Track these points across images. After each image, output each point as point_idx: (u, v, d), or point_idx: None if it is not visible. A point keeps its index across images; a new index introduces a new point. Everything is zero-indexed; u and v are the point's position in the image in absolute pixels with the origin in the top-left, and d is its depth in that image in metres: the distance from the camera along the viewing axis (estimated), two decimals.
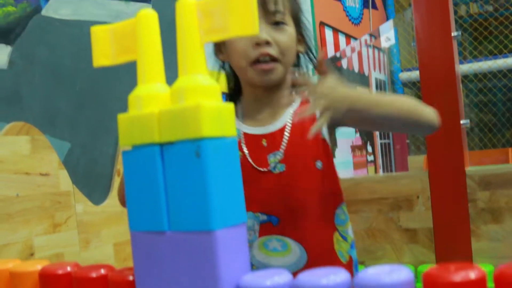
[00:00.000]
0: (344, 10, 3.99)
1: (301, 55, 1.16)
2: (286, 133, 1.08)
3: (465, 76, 4.65)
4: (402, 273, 0.59)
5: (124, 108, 1.83)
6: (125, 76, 1.84)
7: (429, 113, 1.08)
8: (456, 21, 4.85)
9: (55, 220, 1.54)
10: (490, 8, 5.58)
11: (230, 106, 0.70)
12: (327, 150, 1.08)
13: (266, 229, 1.07)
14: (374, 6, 4.67)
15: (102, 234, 1.69)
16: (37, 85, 1.56)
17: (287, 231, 1.06)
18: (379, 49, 4.61)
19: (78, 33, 1.70)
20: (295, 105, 1.12)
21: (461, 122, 1.76)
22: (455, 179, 1.75)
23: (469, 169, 1.82)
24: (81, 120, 1.69)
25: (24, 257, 1.44)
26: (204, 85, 0.68)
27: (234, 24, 0.68)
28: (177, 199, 0.69)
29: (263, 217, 1.07)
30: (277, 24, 1.06)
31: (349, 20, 4.07)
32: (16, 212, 1.44)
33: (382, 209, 1.95)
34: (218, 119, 0.68)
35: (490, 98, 4.98)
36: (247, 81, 1.11)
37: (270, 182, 1.07)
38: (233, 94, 1.18)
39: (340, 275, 0.62)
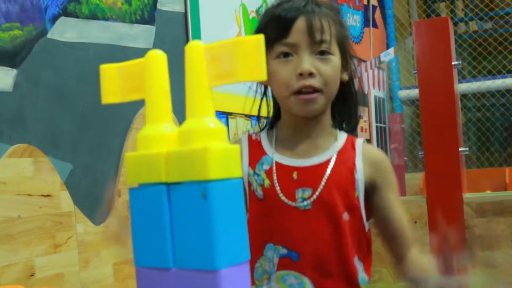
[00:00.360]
0: None
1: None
2: (327, 171, 1.05)
3: (464, 95, 4.68)
4: None
5: (125, 128, 1.85)
6: None
7: None
8: (455, 41, 4.90)
9: (56, 241, 1.56)
10: (489, 26, 5.63)
11: (236, 147, 0.71)
12: (358, 208, 1.06)
13: (285, 264, 1.05)
14: (375, 25, 4.71)
15: (102, 254, 1.70)
16: (41, 107, 1.58)
17: (305, 270, 1.04)
18: (379, 67, 4.64)
19: (83, 56, 1.73)
20: (338, 143, 1.09)
21: (460, 149, 1.78)
22: (452, 205, 1.77)
23: (467, 196, 1.84)
24: (83, 141, 1.71)
25: (24, 277, 1.46)
26: (211, 128, 0.70)
27: (242, 69, 0.70)
28: (183, 237, 0.71)
29: (283, 251, 1.05)
30: (322, 53, 1.03)
31: (350, 38, 4.10)
32: (17, 233, 1.45)
33: (379, 234, 1.96)
34: (225, 161, 0.70)
35: (488, 117, 5.01)
36: (287, 110, 1.08)
37: (295, 217, 1.04)
38: (272, 119, 1.16)
39: None
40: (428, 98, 1.82)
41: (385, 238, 1.12)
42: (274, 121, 1.16)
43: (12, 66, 1.50)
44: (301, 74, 1.01)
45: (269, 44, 1.03)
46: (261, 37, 0.68)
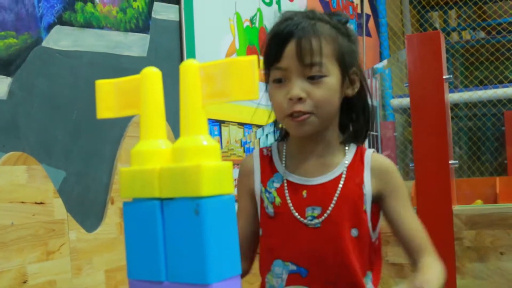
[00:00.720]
0: None
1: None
2: (338, 190, 1.06)
3: (456, 105, 4.71)
4: None
5: (119, 136, 1.86)
6: None
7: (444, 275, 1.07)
8: (447, 50, 4.93)
9: (49, 248, 1.56)
10: (482, 36, 5.67)
11: (229, 164, 0.73)
12: (365, 221, 1.07)
13: (294, 279, 1.07)
14: (368, 34, 4.73)
15: (94, 261, 1.71)
16: (35, 115, 1.59)
17: (314, 286, 1.06)
18: (372, 76, 4.67)
19: (77, 64, 1.74)
20: (347, 159, 1.10)
21: (450, 162, 1.80)
22: (442, 217, 1.79)
23: (456, 208, 1.86)
24: (76, 149, 1.72)
25: (17, 284, 1.46)
26: (204, 145, 0.72)
27: (235, 89, 0.72)
28: (175, 252, 0.72)
29: (293, 267, 1.07)
30: (313, 78, 1.02)
31: None
32: (10, 240, 1.46)
33: None
34: (217, 178, 0.71)
35: (479, 127, 5.04)
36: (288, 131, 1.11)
37: (304, 234, 1.06)
38: (281, 136, 1.18)
39: None
40: (419, 111, 1.85)
41: (400, 244, 1.13)
42: (286, 134, 1.17)
43: (7, 74, 1.51)
44: (290, 99, 1.02)
45: (268, 67, 1.05)
46: (254, 58, 0.70)
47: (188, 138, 0.73)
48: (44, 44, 1.63)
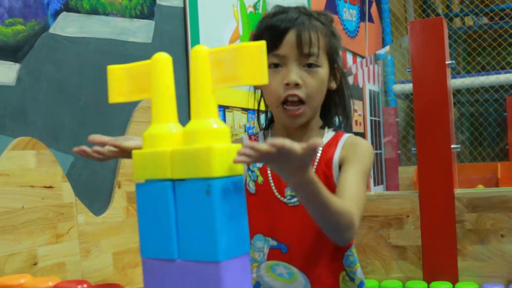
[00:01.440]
0: (341, 23, 4.06)
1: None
2: (313, 168, 1.10)
3: (458, 90, 4.73)
4: None
5: (124, 122, 1.89)
6: None
7: (347, 220, 0.97)
8: (450, 36, 4.93)
9: (58, 231, 1.59)
10: (484, 22, 5.67)
11: (238, 146, 0.76)
12: (334, 191, 1.08)
13: (274, 254, 1.12)
14: (370, 19, 4.74)
15: (102, 244, 1.74)
16: (43, 101, 1.61)
17: (294, 261, 1.11)
18: (375, 62, 4.68)
19: (84, 50, 1.76)
20: (325, 140, 1.15)
21: (452, 146, 1.83)
22: (444, 200, 1.82)
23: (458, 191, 1.89)
24: (83, 134, 1.74)
25: (27, 266, 1.49)
26: (214, 128, 0.75)
27: (244, 73, 0.74)
28: (187, 231, 0.75)
29: (273, 243, 1.12)
30: (309, 66, 1.09)
31: (346, 33, 4.14)
32: (20, 223, 1.49)
33: (373, 227, 2.02)
34: (227, 159, 0.74)
35: (481, 112, 5.06)
36: (277, 118, 1.16)
37: (284, 212, 1.11)
38: (268, 121, 1.23)
39: None
40: (422, 96, 1.87)
41: None
42: (270, 122, 1.23)
43: (15, 60, 1.53)
44: (288, 84, 1.07)
45: None
46: (263, 43, 0.72)
47: (199, 121, 0.75)
48: (51, 30, 1.65)
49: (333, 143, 1.15)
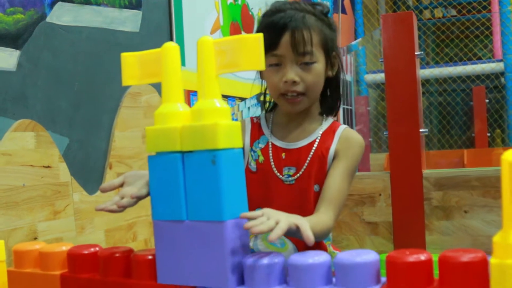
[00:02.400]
0: None
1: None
2: (311, 153, 1.23)
3: (427, 80, 4.90)
4: (370, 255, 0.80)
5: (115, 107, 2.00)
6: (117, 76, 2.00)
7: (325, 237, 1.19)
8: (420, 28, 5.10)
9: (56, 208, 1.70)
10: (453, 13, 5.86)
11: (238, 124, 0.89)
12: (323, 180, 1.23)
13: None
14: (344, 11, 4.88)
15: (95, 221, 1.86)
16: (41, 86, 1.71)
17: (286, 232, 1.23)
18: (347, 53, 4.82)
19: (78, 38, 1.86)
20: (323, 127, 1.26)
21: (420, 130, 1.98)
22: (413, 180, 1.97)
23: (426, 171, 2.04)
24: (78, 118, 1.85)
25: (28, 240, 1.60)
26: (218, 107, 0.87)
27: (244, 61, 0.87)
28: (194, 195, 0.88)
29: None
30: (305, 63, 1.19)
31: None
32: (22, 200, 1.60)
33: (348, 204, 2.17)
34: (230, 134, 0.87)
35: (449, 102, 5.25)
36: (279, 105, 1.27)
37: (280, 189, 1.23)
38: (271, 106, 1.35)
39: (322, 256, 0.82)
40: (393, 84, 2.01)
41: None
42: (273, 107, 1.34)
43: (16, 47, 1.63)
44: (286, 82, 1.19)
45: (264, 51, 1.20)
46: (260, 35, 0.85)
47: (205, 101, 0.88)
48: (48, 19, 1.75)
49: (330, 132, 1.26)
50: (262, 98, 1.38)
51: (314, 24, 1.21)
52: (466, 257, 0.75)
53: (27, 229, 1.60)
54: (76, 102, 1.84)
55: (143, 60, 0.96)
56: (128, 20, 2.10)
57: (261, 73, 1.28)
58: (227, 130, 0.86)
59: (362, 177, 2.15)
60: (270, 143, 1.27)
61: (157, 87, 2.21)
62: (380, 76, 4.79)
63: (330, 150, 1.23)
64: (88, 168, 1.88)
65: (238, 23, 3.01)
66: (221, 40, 0.89)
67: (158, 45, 0.94)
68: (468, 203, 1.98)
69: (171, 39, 2.34)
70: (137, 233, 2.03)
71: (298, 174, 1.23)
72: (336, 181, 1.20)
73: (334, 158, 1.23)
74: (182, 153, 0.89)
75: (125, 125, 2.02)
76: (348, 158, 1.23)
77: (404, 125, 1.91)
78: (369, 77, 5.01)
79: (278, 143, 1.27)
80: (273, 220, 0.89)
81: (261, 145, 1.27)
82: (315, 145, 1.24)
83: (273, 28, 1.19)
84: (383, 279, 0.82)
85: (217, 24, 2.78)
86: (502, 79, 4.64)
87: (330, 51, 1.24)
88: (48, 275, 1.07)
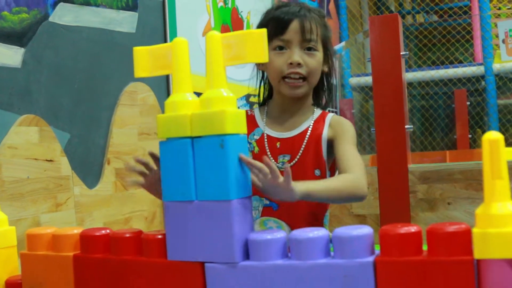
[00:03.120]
0: None
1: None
2: (305, 140, 1.32)
3: (410, 83, 5.02)
4: (365, 229, 0.88)
5: (112, 104, 2.07)
6: (114, 75, 2.08)
7: (361, 189, 1.20)
8: (402, 33, 5.20)
9: (57, 200, 1.77)
10: (434, 19, 5.99)
11: (243, 111, 0.97)
12: (324, 165, 1.32)
13: (267, 211, 1.33)
14: (328, 15, 4.99)
15: (94, 214, 1.92)
16: (44, 83, 1.78)
17: (283, 216, 1.32)
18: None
19: (78, 38, 1.93)
20: (315, 116, 1.35)
21: (406, 127, 2.07)
22: (399, 174, 2.06)
23: (411, 166, 2.14)
24: (78, 114, 1.92)
25: None
26: (225, 96, 0.95)
27: (249, 53, 0.96)
28: (203, 177, 0.96)
29: (267, 202, 1.33)
30: (309, 49, 1.30)
31: None
32: (26, 192, 1.66)
33: None
34: (236, 120, 0.95)
35: (431, 104, 5.37)
36: (278, 91, 1.35)
37: None
38: (265, 98, 1.43)
39: (321, 231, 0.91)
40: (380, 83, 2.10)
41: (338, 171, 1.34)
42: (267, 99, 1.43)
43: (20, 45, 1.70)
44: (291, 63, 1.28)
45: (268, 39, 1.29)
46: (264, 31, 0.93)
47: (213, 90, 0.96)
48: (50, 19, 1.82)
49: (320, 120, 1.35)
50: (257, 91, 1.47)
51: (317, 19, 1.32)
52: (451, 228, 0.84)
53: (31, 220, 1.67)
54: (77, 99, 1.91)
55: (155, 54, 1.04)
56: (125, 21, 2.17)
57: (258, 64, 1.38)
58: (233, 117, 0.94)
59: None
60: (265, 134, 1.35)
61: (153, 86, 2.29)
62: (364, 80, 4.89)
63: (323, 136, 1.32)
64: (88, 163, 1.95)
65: (228, 25, 3.09)
66: (228, 34, 0.97)
67: (153, 43, 1.01)
68: (451, 195, 2.08)
69: (165, 40, 2.42)
70: (133, 226, 2.10)
71: (294, 161, 1.31)
72: (352, 154, 1.27)
73: (332, 142, 1.32)
74: (192, 138, 0.97)
75: (122, 122, 2.09)
76: (347, 136, 1.31)
77: (390, 121, 2.00)
78: (354, 80, 5.11)
79: (272, 134, 1.35)
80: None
81: (256, 137, 1.36)
82: (309, 132, 1.33)
83: (283, 15, 1.30)
84: (377, 251, 0.90)
85: (208, 26, 2.86)
86: (483, 82, 4.77)
87: (327, 48, 1.35)
88: (61, 256, 1.14)
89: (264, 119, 1.38)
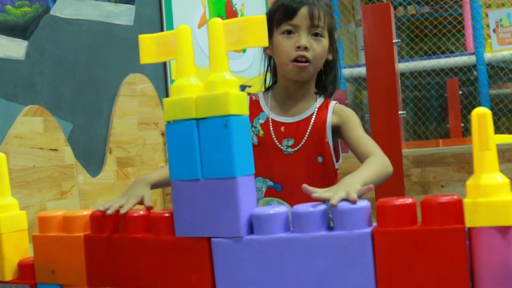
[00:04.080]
0: None
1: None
2: (309, 126, 1.37)
3: (402, 74, 5.07)
4: (363, 202, 0.94)
5: (113, 95, 2.12)
6: (114, 66, 2.12)
7: (390, 167, 1.34)
8: (394, 23, 5.26)
9: (62, 188, 1.82)
10: (426, 10, 6.06)
11: (244, 94, 1.02)
12: (329, 151, 1.38)
13: (271, 192, 1.39)
14: None
15: (98, 202, 1.97)
16: (47, 74, 1.83)
17: (286, 197, 1.38)
18: None
19: (78, 30, 1.98)
20: (318, 103, 1.40)
21: (399, 112, 2.13)
22: (393, 158, 2.09)
23: (405, 150, 2.19)
24: (80, 105, 1.97)
25: None
26: (227, 79, 1.01)
27: (250, 38, 1.01)
28: (209, 156, 1.02)
29: (270, 183, 1.38)
30: (316, 35, 1.35)
31: None
32: (33, 180, 1.71)
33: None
34: (239, 102, 1.00)
35: (424, 94, 5.43)
36: (284, 75, 1.39)
37: (280, 158, 1.37)
38: (271, 83, 1.48)
39: (322, 205, 0.96)
40: (374, 70, 2.15)
41: (358, 158, 1.41)
42: (271, 85, 1.48)
43: (24, 38, 1.75)
44: (299, 47, 1.33)
45: (278, 23, 1.35)
46: (264, 17, 0.99)
47: (216, 74, 1.02)
48: (51, 12, 1.86)
49: (324, 107, 1.40)
50: (250, 82, 1.52)
51: (325, 8, 1.38)
52: (444, 199, 0.89)
53: (38, 207, 1.72)
54: (78, 90, 1.96)
55: (159, 41, 1.09)
56: (123, 14, 2.22)
57: (265, 48, 1.43)
58: (236, 99, 0.99)
59: (347, 157, 2.28)
60: (270, 119, 1.40)
61: (151, 77, 2.34)
62: (357, 70, 4.94)
63: (327, 122, 1.38)
64: (91, 152, 2.00)
65: (223, 18, 3.14)
66: (230, 21, 1.02)
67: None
68: (444, 178, 2.14)
69: None
70: None
71: (298, 146, 1.37)
72: (365, 137, 1.37)
73: (338, 129, 1.38)
74: (197, 120, 1.02)
75: (122, 112, 2.14)
76: (355, 121, 1.39)
77: (384, 107, 2.06)
78: (347, 72, 5.16)
79: (277, 118, 1.40)
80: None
81: (261, 121, 1.41)
82: (313, 119, 1.38)
83: (292, 2, 1.35)
84: (374, 223, 0.96)
85: (203, 19, 2.91)
86: (475, 72, 4.83)
87: (332, 36, 1.40)
88: (72, 237, 1.19)
89: (269, 104, 1.43)
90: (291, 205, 1.38)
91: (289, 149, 1.38)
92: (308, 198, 1.40)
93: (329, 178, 1.41)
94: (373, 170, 1.26)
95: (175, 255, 1.07)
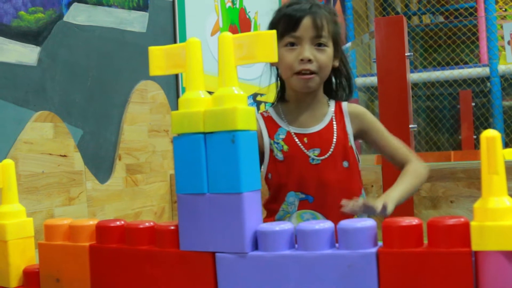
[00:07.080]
0: None
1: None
2: (334, 135, 1.37)
3: (415, 84, 5.06)
4: (368, 221, 0.93)
5: (124, 101, 2.12)
6: (125, 73, 2.13)
7: (425, 173, 1.41)
8: (408, 33, 5.25)
9: (70, 194, 1.82)
10: (441, 20, 6.03)
11: (253, 109, 1.02)
12: (352, 155, 1.38)
13: (303, 204, 1.37)
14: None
15: (106, 208, 1.98)
16: (58, 80, 1.84)
17: (318, 208, 1.36)
18: None
19: (91, 37, 1.98)
20: (331, 109, 1.40)
21: (410, 126, 2.12)
22: None
23: None
24: (90, 111, 1.97)
25: None
26: (236, 94, 1.00)
27: (259, 53, 1.00)
28: (215, 170, 1.01)
29: (302, 196, 1.37)
30: (319, 45, 1.33)
31: None
32: (41, 186, 1.72)
33: None
34: (247, 117, 1.00)
35: (437, 105, 5.41)
36: (290, 87, 1.39)
37: (309, 169, 1.36)
38: (280, 95, 1.47)
39: (327, 223, 0.95)
40: (385, 83, 2.15)
41: (391, 162, 1.45)
42: (279, 99, 1.47)
43: (36, 44, 1.76)
44: (302, 60, 1.32)
45: (280, 35, 1.34)
46: (274, 32, 0.98)
47: (225, 88, 1.01)
48: (64, 19, 1.87)
49: (338, 111, 1.41)
50: (263, 90, 1.52)
51: (328, 16, 1.36)
52: (450, 221, 0.88)
53: (46, 213, 1.72)
54: (89, 96, 1.96)
55: (169, 53, 1.09)
56: (136, 21, 2.23)
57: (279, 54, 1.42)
58: (244, 114, 0.99)
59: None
60: (292, 133, 1.39)
61: (162, 84, 2.34)
62: (370, 80, 4.93)
63: (347, 130, 1.38)
64: (100, 158, 2.00)
65: (236, 25, 3.14)
66: (239, 35, 1.02)
67: (163, 45, 1.07)
68: (454, 193, 2.12)
69: (175, 40, 2.47)
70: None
71: (326, 155, 1.36)
72: (393, 140, 1.42)
73: (362, 134, 1.40)
74: (204, 134, 1.02)
75: (133, 119, 2.15)
76: (376, 124, 1.41)
77: (395, 120, 2.05)
78: (360, 80, 5.15)
79: (298, 130, 1.39)
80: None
81: (282, 136, 1.40)
82: (335, 126, 1.38)
83: (294, 12, 1.34)
84: (380, 243, 0.95)
85: (217, 26, 2.91)
86: (488, 84, 4.80)
87: (337, 44, 1.39)
88: (77, 246, 1.19)
89: (283, 117, 1.42)
90: (323, 214, 1.38)
91: (316, 159, 1.37)
92: (339, 207, 1.39)
93: (355, 181, 1.42)
94: (409, 184, 1.37)
95: (179, 268, 1.07)
